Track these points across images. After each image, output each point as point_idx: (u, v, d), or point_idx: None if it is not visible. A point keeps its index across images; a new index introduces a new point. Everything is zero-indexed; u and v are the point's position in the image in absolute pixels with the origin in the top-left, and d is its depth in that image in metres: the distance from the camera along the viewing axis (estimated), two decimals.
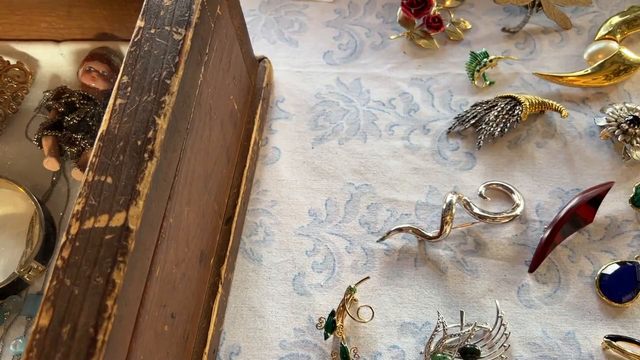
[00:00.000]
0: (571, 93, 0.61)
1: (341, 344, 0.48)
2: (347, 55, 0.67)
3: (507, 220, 0.53)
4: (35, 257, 0.51)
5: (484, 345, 0.48)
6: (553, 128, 0.59)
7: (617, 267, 0.50)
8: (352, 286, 0.49)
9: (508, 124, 0.58)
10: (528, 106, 0.58)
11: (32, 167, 0.58)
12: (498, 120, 0.58)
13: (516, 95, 0.59)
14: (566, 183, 0.56)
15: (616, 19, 0.63)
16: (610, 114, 0.56)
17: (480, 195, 0.55)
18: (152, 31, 0.40)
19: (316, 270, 0.53)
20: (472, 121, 0.59)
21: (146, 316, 0.35)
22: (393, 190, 0.57)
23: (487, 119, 0.58)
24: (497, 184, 0.56)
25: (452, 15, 0.67)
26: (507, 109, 0.58)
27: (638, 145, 0.55)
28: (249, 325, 0.51)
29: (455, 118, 0.60)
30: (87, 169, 0.35)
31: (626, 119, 0.55)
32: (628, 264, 0.50)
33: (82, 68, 0.59)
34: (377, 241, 0.53)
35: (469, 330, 0.47)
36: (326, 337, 0.48)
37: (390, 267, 0.53)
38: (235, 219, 0.53)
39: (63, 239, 0.33)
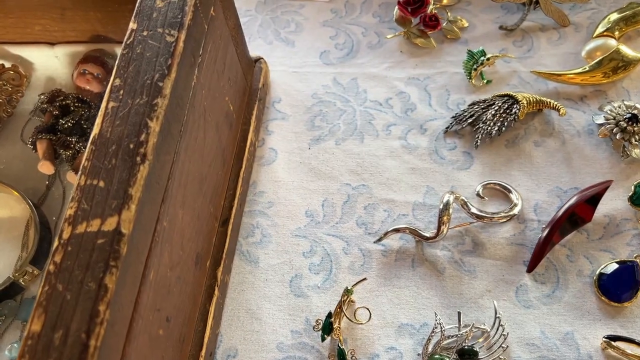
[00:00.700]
0: (569, 91, 0.61)
1: (338, 345, 0.47)
2: (344, 55, 0.67)
3: (505, 220, 0.53)
4: (30, 261, 0.51)
5: (482, 346, 0.47)
6: (551, 126, 0.59)
7: (616, 266, 0.49)
8: (349, 287, 0.49)
9: (506, 123, 0.57)
10: (526, 105, 0.57)
11: (27, 170, 0.58)
12: (495, 119, 0.58)
13: (514, 94, 0.58)
14: (564, 182, 0.55)
15: (614, 16, 0.63)
16: (609, 112, 0.56)
17: (478, 194, 0.55)
18: (145, 33, 0.40)
19: (313, 271, 0.53)
20: (470, 120, 0.59)
21: (140, 320, 0.35)
22: (390, 190, 0.56)
23: (484, 118, 0.58)
24: (494, 183, 0.56)
25: (449, 14, 0.67)
26: (504, 107, 0.58)
27: (637, 143, 0.54)
28: (246, 327, 0.50)
29: (453, 117, 0.60)
30: (79, 172, 0.35)
31: (624, 116, 0.55)
32: (627, 263, 0.49)
33: (77, 71, 0.59)
34: (375, 242, 0.53)
35: (466, 331, 0.47)
36: (323, 339, 0.48)
37: (387, 268, 0.52)
38: (232, 220, 0.53)
39: (55, 243, 0.32)
